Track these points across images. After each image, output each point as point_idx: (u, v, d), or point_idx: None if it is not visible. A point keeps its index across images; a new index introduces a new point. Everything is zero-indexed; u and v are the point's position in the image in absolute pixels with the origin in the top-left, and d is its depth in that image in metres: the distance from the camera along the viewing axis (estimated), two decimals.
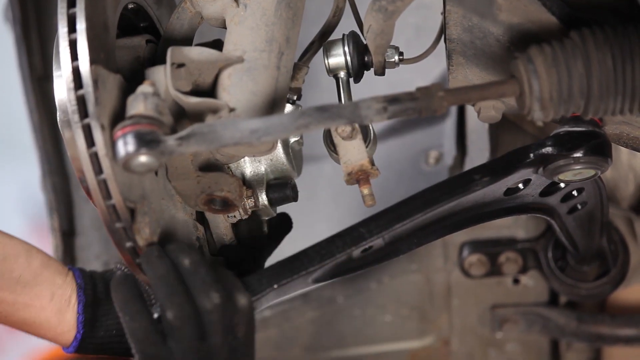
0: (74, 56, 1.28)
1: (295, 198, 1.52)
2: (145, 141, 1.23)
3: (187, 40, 1.46)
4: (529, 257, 2.06)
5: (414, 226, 1.47)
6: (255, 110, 1.39)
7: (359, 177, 1.45)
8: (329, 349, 1.78)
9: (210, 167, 1.45)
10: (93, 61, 1.28)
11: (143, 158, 1.24)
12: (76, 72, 1.28)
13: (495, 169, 1.45)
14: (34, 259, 1.41)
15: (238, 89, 1.39)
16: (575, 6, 1.36)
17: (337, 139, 1.44)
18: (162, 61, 1.36)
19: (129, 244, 1.32)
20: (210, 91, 1.39)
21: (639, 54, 1.29)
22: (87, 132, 1.27)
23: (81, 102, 1.27)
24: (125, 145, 1.24)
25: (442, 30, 1.47)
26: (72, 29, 1.29)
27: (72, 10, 1.29)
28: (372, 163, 1.45)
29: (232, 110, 1.37)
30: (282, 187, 1.50)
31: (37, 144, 2.16)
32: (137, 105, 1.27)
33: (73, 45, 1.28)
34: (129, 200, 1.30)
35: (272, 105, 1.40)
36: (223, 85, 1.39)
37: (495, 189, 1.47)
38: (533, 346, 2.20)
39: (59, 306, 1.41)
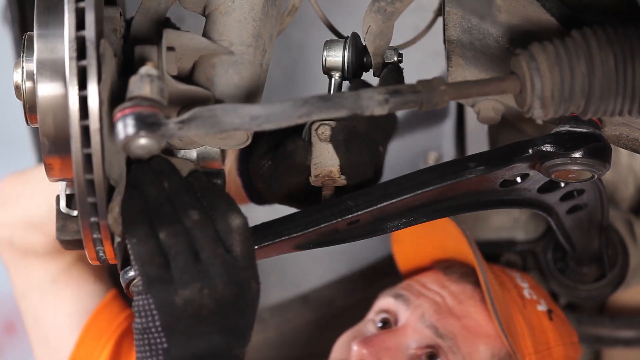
0: (80, 25, 1.24)
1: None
2: (146, 124, 1.21)
3: (160, 19, 1.40)
4: (528, 258, 2.06)
5: (404, 206, 1.45)
6: None
7: (324, 182, 1.45)
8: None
9: (164, 150, 1.41)
10: (100, 33, 1.26)
11: (143, 141, 1.21)
12: (81, 42, 1.24)
13: (492, 159, 1.44)
14: None
15: (223, 81, 1.37)
16: (574, 7, 1.35)
17: (314, 139, 1.44)
18: (142, 39, 1.34)
19: (93, 219, 1.30)
20: (187, 77, 1.38)
21: (639, 55, 1.29)
22: (83, 103, 1.24)
23: (82, 72, 1.24)
24: (125, 128, 1.21)
25: (440, 10, 1.47)
26: None
27: None
28: (341, 172, 1.44)
29: (218, 102, 1.36)
30: (215, 175, 1.46)
31: (35, 144, 2.16)
32: (143, 86, 1.24)
33: (80, 14, 1.25)
34: (112, 179, 1.28)
35: (251, 103, 1.38)
36: (207, 74, 1.37)
37: (491, 179, 1.46)
38: None
39: None
